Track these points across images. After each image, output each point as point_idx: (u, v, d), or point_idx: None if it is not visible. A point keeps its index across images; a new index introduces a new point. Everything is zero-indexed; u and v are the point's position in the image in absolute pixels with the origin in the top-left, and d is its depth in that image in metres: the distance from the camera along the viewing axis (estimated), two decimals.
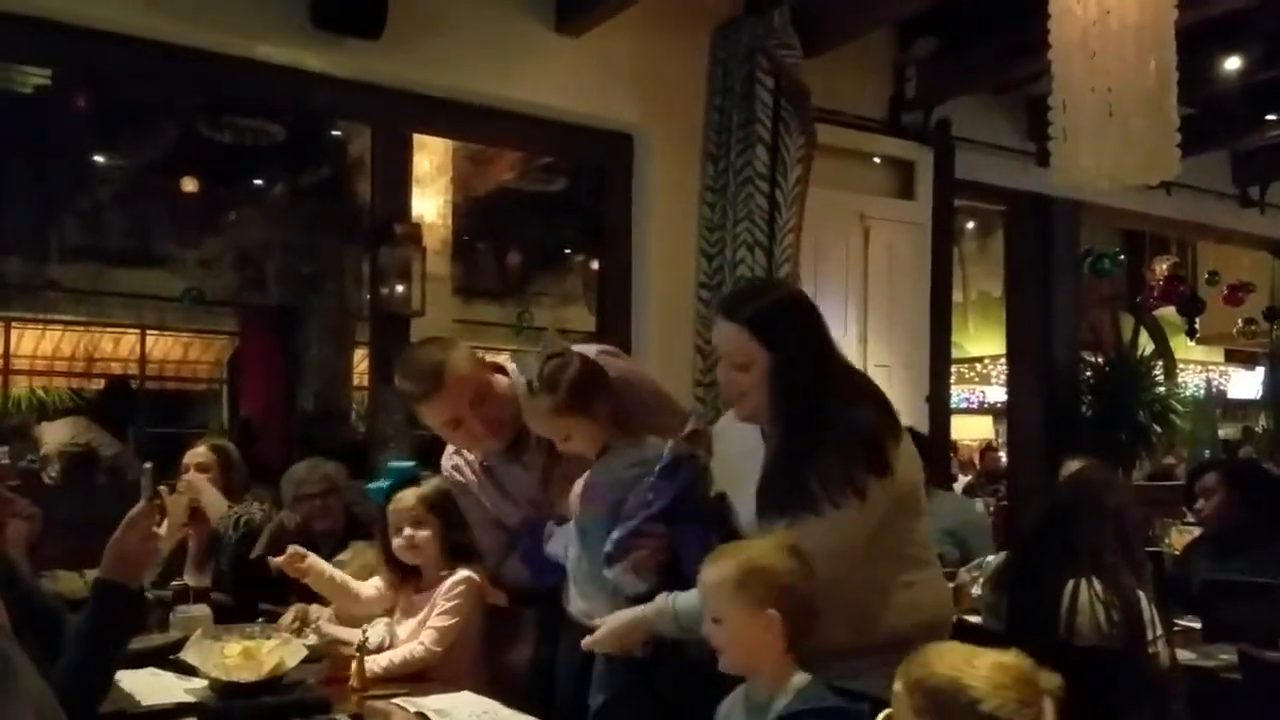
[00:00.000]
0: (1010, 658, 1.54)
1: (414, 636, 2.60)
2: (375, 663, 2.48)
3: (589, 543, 2.39)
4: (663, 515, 2.26)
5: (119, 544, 2.08)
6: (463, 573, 2.64)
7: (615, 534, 2.29)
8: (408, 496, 2.69)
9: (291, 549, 2.74)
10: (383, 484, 2.73)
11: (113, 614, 2.06)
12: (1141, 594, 2.64)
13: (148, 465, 2.28)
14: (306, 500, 3.58)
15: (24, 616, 1.88)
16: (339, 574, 2.79)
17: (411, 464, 2.82)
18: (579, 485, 2.46)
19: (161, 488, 2.40)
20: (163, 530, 2.22)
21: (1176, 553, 4.49)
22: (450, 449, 2.88)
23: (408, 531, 2.67)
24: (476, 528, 2.83)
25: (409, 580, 2.74)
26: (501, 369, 2.81)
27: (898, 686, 1.58)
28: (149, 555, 2.17)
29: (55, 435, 5.99)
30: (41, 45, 3.88)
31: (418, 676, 2.52)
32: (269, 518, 3.48)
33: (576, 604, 2.46)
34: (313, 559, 2.74)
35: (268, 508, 3.56)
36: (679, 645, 2.22)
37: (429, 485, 2.74)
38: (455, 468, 2.86)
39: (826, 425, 2.12)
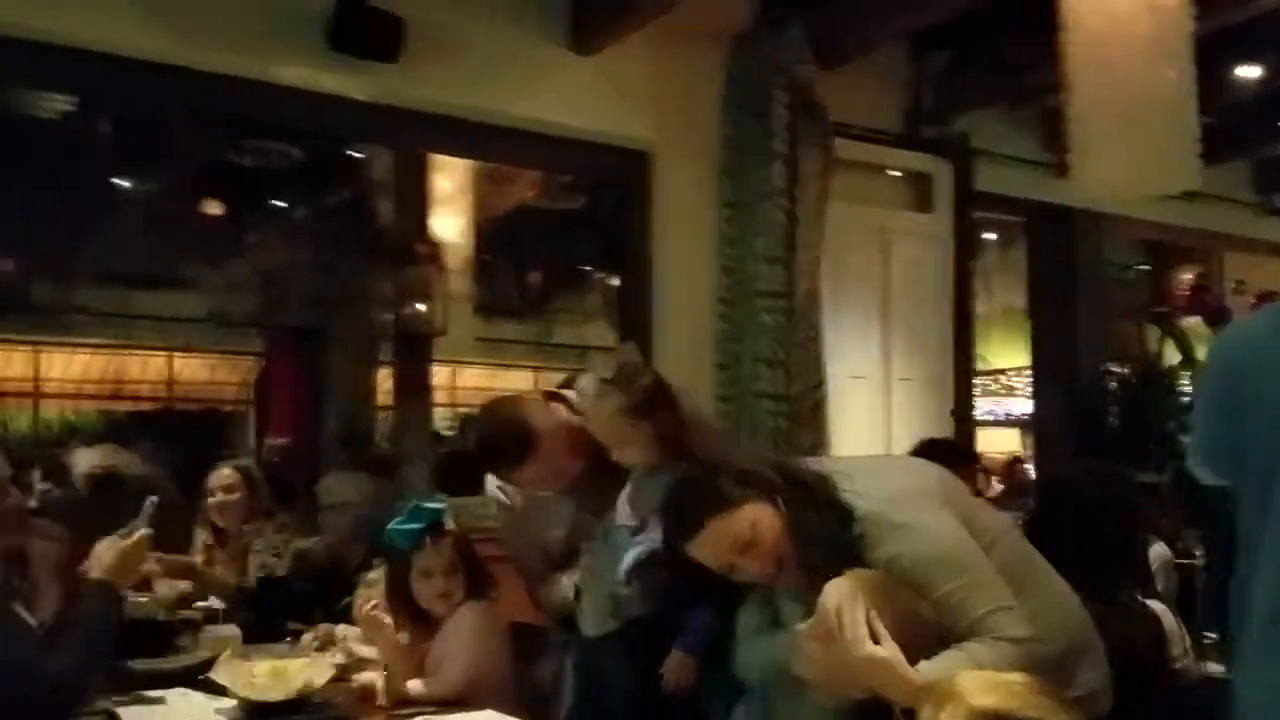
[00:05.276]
0: (1016, 675, 1.52)
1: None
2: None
3: (606, 546, 2.41)
4: None
5: (128, 554, 2.22)
6: (465, 606, 2.62)
7: (633, 551, 2.29)
8: (444, 545, 2.61)
9: (373, 606, 2.62)
10: (414, 526, 2.62)
11: (110, 611, 2.17)
12: (1165, 605, 2.60)
13: (152, 498, 2.36)
14: (334, 510, 3.62)
15: None
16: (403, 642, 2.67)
17: (442, 505, 2.71)
18: (626, 491, 2.48)
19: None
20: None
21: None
22: None
23: (439, 581, 2.60)
24: (521, 547, 2.84)
25: (419, 625, 2.66)
26: (557, 395, 2.75)
27: None
28: (134, 579, 2.34)
29: (85, 459, 6.07)
30: (66, 71, 3.94)
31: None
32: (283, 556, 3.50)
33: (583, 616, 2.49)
34: (389, 625, 2.61)
35: (285, 544, 3.56)
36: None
37: (456, 528, 2.67)
38: (500, 486, 2.84)
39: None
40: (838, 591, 1.84)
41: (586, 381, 2.60)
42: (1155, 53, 2.80)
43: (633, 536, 2.36)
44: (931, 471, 2.19)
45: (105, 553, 2.21)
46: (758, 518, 2.00)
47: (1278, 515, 1.72)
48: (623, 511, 2.47)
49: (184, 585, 3.42)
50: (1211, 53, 3.22)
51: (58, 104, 6.33)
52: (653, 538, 2.34)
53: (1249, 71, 5.33)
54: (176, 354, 11.72)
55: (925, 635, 1.86)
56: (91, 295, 9.95)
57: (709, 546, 2.02)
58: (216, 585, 3.42)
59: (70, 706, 2.03)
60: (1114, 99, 2.86)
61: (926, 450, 3.88)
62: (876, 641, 1.77)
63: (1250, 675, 1.67)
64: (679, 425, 2.45)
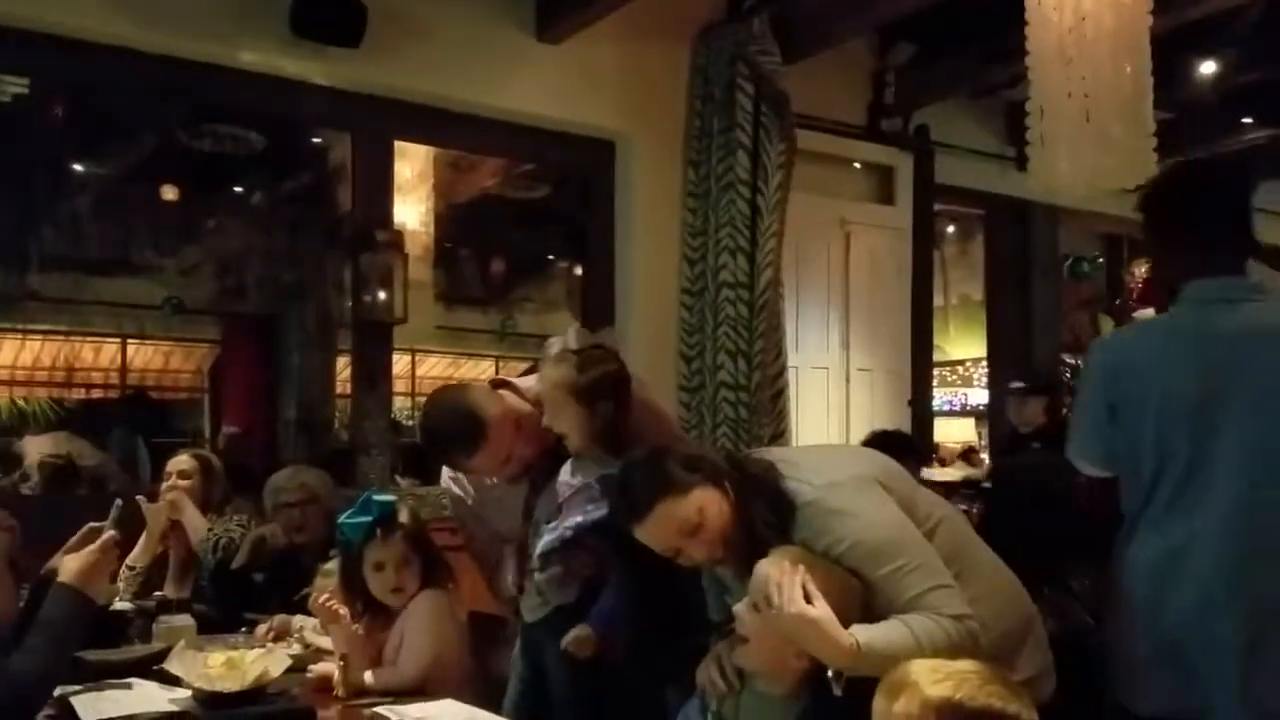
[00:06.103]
0: (969, 664, 1.54)
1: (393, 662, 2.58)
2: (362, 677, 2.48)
3: (538, 536, 2.42)
4: (597, 527, 2.26)
5: (97, 560, 2.17)
6: (421, 595, 2.60)
7: (547, 537, 2.30)
8: (396, 538, 2.58)
9: (328, 598, 2.58)
10: (364, 519, 2.59)
11: (80, 619, 2.14)
12: None
13: (119, 502, 2.34)
14: (285, 509, 3.56)
15: None
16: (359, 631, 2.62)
17: (393, 498, 2.69)
18: (566, 466, 2.49)
19: (141, 499, 2.46)
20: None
21: None
22: None
23: (391, 574, 2.58)
24: (478, 537, 2.83)
25: (375, 615, 2.63)
26: (506, 383, 2.76)
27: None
28: (104, 583, 2.32)
29: (37, 448, 6.00)
30: (19, 54, 3.86)
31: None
32: (248, 533, 3.47)
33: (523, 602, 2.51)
34: (346, 616, 2.56)
35: (248, 521, 3.55)
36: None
37: (408, 518, 2.63)
38: (454, 479, 2.83)
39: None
40: (778, 563, 1.88)
41: (554, 341, 2.60)
42: (1116, 48, 2.83)
43: (547, 524, 2.37)
44: (876, 460, 2.23)
45: (73, 560, 2.16)
46: (706, 503, 2.02)
47: (1160, 502, 2.08)
48: (564, 485, 2.47)
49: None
50: (1169, 48, 3.26)
51: (12, 87, 6.21)
52: (566, 524, 2.35)
53: (1206, 67, 5.39)
54: (131, 341, 11.56)
55: (858, 606, 1.90)
56: (45, 281, 9.79)
57: (657, 529, 2.04)
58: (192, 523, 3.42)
59: (28, 711, 2.00)
60: (1073, 94, 2.88)
61: (877, 441, 3.97)
62: (810, 603, 1.82)
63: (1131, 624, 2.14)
64: (616, 422, 2.45)
